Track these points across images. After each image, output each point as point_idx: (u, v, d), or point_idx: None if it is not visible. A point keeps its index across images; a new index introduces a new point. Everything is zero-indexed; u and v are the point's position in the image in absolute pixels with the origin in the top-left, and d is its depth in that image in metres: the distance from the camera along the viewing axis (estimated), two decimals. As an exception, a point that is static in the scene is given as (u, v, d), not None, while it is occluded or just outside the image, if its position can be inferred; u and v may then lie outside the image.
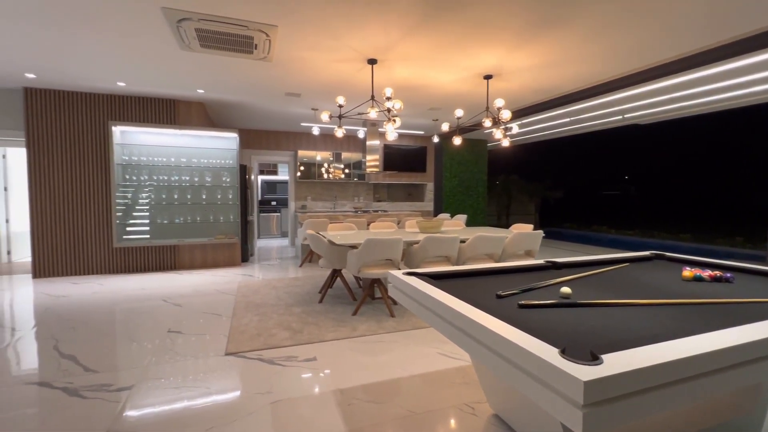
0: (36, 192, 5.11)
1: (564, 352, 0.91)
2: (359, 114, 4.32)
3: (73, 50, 3.74)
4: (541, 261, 2.21)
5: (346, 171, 8.58)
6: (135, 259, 5.53)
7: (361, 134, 6.56)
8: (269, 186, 10.02)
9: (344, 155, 8.54)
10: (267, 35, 3.33)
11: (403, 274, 1.84)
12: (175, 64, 4.12)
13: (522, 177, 15.33)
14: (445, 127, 4.91)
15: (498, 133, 4.62)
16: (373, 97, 4.02)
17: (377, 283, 3.72)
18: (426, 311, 1.52)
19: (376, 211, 7.84)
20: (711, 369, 0.94)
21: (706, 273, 1.85)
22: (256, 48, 3.60)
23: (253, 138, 8.09)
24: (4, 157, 6.28)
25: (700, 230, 13.21)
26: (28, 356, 2.75)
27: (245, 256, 6.35)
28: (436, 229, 4.39)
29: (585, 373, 0.81)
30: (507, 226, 6.22)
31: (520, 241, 4.13)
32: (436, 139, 6.91)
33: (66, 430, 1.86)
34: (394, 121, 3.91)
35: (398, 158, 8.74)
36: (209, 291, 4.50)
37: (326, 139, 8.60)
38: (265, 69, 4.25)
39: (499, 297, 1.54)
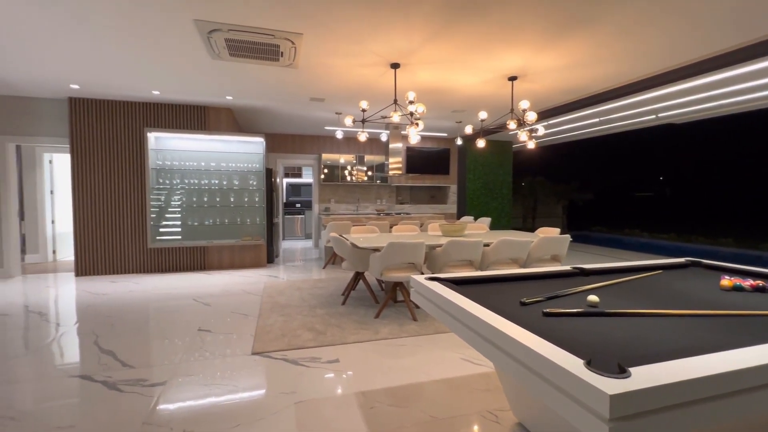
0: (78, 195, 5.44)
1: (590, 364, 0.89)
2: (382, 117, 4.35)
3: (113, 62, 3.96)
4: (567, 267, 2.15)
5: (369, 173, 8.65)
6: (167, 259, 5.78)
7: (384, 137, 6.61)
8: (294, 188, 10.22)
9: (367, 158, 8.60)
10: (292, 43, 3.42)
11: (426, 279, 1.85)
12: (205, 73, 4.29)
13: (549, 178, 14.95)
14: (468, 129, 4.86)
15: (523, 135, 4.53)
16: (395, 101, 4.04)
17: (399, 286, 3.73)
18: (448, 317, 1.52)
19: (399, 213, 7.85)
20: (749, 386, 0.90)
21: (747, 282, 1.75)
22: (282, 55, 3.70)
23: (278, 142, 8.29)
24: (51, 162, 6.72)
25: (743, 234, 12.42)
26: (72, 350, 2.93)
27: (271, 257, 6.51)
28: (459, 232, 4.36)
29: (611, 386, 0.80)
30: (533, 229, 6.08)
31: (546, 246, 4.03)
32: (459, 142, 6.86)
33: (107, 422, 1.97)
34: (417, 124, 3.92)
35: (421, 160, 8.72)
36: (236, 291, 4.64)
37: (349, 142, 8.69)
38: (290, 75, 4.35)
39: (523, 304, 1.52)
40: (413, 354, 2.83)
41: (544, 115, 6.01)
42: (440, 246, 3.72)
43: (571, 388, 0.87)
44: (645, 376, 0.84)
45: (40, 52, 3.70)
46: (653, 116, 6.23)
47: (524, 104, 4.11)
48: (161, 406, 2.11)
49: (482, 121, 4.71)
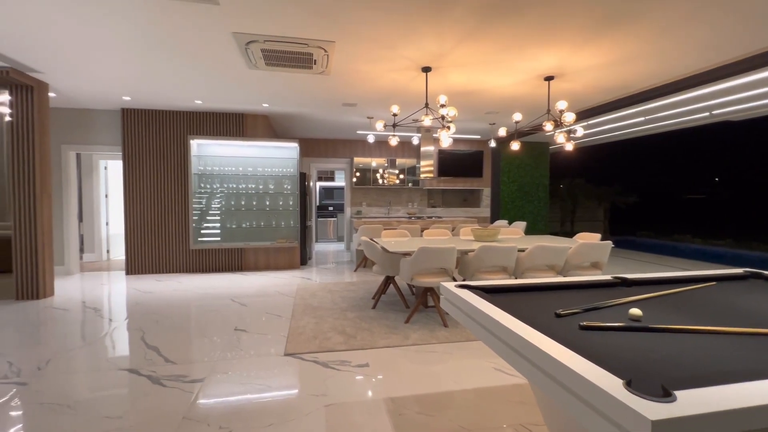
0: (129, 199, 5.83)
1: (630, 385, 0.84)
2: (414, 121, 4.34)
3: (160, 75, 4.23)
4: (608, 276, 2.04)
5: (401, 176, 8.65)
6: (208, 260, 6.06)
7: (415, 140, 6.59)
8: (326, 192, 10.42)
9: (399, 161, 8.61)
10: (325, 51, 3.49)
11: (456, 286, 1.81)
12: (243, 82, 4.48)
13: (589, 180, 14.26)
14: (502, 131, 4.75)
15: (560, 137, 4.36)
16: (427, 105, 4.02)
17: (430, 291, 3.69)
18: (478, 327, 1.48)
19: (431, 217, 7.78)
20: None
21: (817, 298, 1.58)
22: (315, 63, 3.79)
23: (312, 146, 8.49)
24: (106, 168, 7.26)
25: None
26: (121, 345, 3.14)
27: (304, 259, 6.66)
28: (492, 237, 4.26)
29: (654, 411, 0.74)
30: (572, 233, 5.84)
31: (586, 253, 3.85)
32: (492, 144, 6.72)
33: (150, 415, 2.09)
34: (449, 128, 3.87)
35: (453, 163, 8.62)
36: (271, 292, 4.79)
37: (381, 145, 8.75)
38: (323, 82, 4.45)
39: (559, 316, 1.46)
40: (443, 361, 2.79)
41: (583, 115, 5.75)
42: (472, 251, 3.65)
43: (608, 410, 0.82)
44: (693, 401, 0.78)
45: (98, 69, 4.02)
46: (707, 114, 5.79)
47: (561, 105, 3.95)
48: (200, 402, 2.21)
49: (516, 122, 4.58)
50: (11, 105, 4.29)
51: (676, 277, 2.09)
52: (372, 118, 6.33)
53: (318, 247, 9.14)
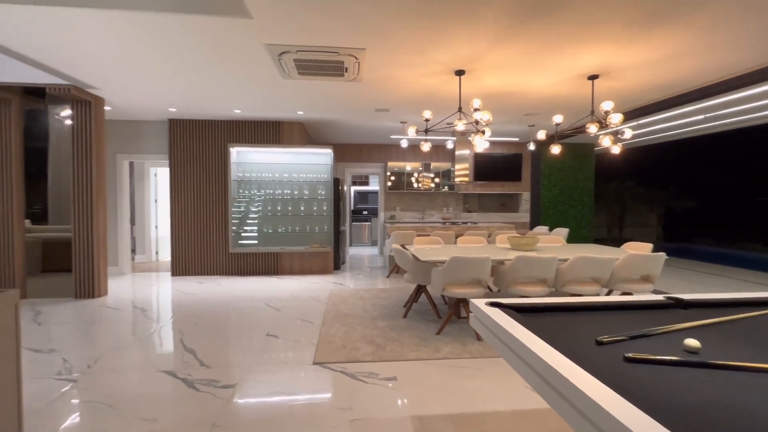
0: (175, 204, 6.17)
1: (684, 442, 0.71)
2: (447, 125, 4.24)
3: (202, 87, 4.44)
4: (660, 297, 1.84)
5: (436, 180, 8.51)
6: (245, 264, 6.27)
7: (450, 145, 6.45)
8: (361, 196, 10.49)
9: (433, 165, 8.48)
10: (356, 58, 3.48)
11: (486, 304, 1.71)
12: (278, 91, 4.59)
13: (639, 183, 13.29)
14: (541, 135, 4.51)
15: (606, 140, 4.07)
16: (460, 109, 3.90)
17: (463, 302, 3.56)
18: (508, 351, 1.37)
19: (466, 222, 7.59)
20: None
21: None
22: (346, 71, 3.80)
23: (346, 152, 8.57)
24: (156, 175, 7.75)
25: None
26: (162, 346, 3.30)
27: (337, 264, 6.72)
28: (530, 246, 4.04)
29: (715, 481, 0.62)
30: (620, 240, 5.43)
31: (635, 265, 3.54)
32: (532, 147, 6.42)
33: (183, 419, 2.15)
34: (483, 132, 3.73)
35: (490, 167, 8.36)
36: (304, 297, 4.85)
37: (415, 150, 8.67)
38: (355, 89, 4.46)
39: (600, 344, 1.31)
40: (476, 377, 2.66)
41: (631, 115, 5.35)
42: (508, 261, 3.48)
43: (657, 471, 0.70)
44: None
45: (147, 84, 4.29)
46: (779, 109, 5.19)
47: (607, 105, 3.68)
48: (229, 409, 2.25)
49: (557, 125, 4.33)
50: (72, 118, 4.68)
51: (743, 299, 1.83)
52: (405, 122, 6.28)
53: (352, 251, 9.21)
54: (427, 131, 4.02)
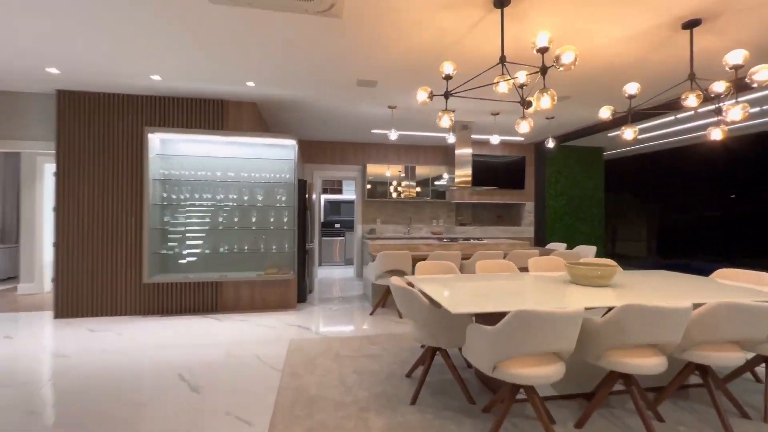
0: (63, 212, 4.28)
1: None
2: (475, 87, 2.74)
3: (88, 27, 2.70)
4: None
5: (417, 189, 6.98)
6: (169, 298, 4.42)
7: (451, 139, 5.01)
8: (333, 206, 8.82)
9: (418, 169, 6.98)
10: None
11: None
12: (212, 39, 2.94)
13: (637, 195, 12.45)
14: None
15: (713, 127, 2.73)
16: (503, 60, 2.40)
17: (528, 389, 2.00)
18: None
19: (467, 239, 6.11)
20: None
21: None
22: (318, -14, 2.23)
23: (315, 151, 6.94)
24: (54, 174, 5.73)
25: None
26: None
27: (302, 294, 5.01)
28: (605, 280, 2.58)
29: None
30: (612, 255, 4.17)
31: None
32: (550, 144, 5.12)
33: None
34: (551, 96, 2.25)
35: (487, 172, 7.01)
36: (247, 356, 3.12)
37: (399, 150, 7.19)
38: (330, 35, 2.90)
39: None
40: None
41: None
42: (605, 314, 1.98)
43: None
44: None
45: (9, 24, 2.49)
46: None
47: (735, 56, 2.33)
48: None
49: (630, 97, 2.95)
50: None
51: None
52: (395, 107, 4.77)
53: (321, 273, 7.48)
54: (447, 96, 2.50)
